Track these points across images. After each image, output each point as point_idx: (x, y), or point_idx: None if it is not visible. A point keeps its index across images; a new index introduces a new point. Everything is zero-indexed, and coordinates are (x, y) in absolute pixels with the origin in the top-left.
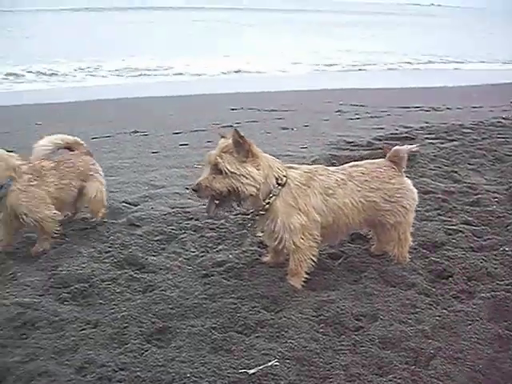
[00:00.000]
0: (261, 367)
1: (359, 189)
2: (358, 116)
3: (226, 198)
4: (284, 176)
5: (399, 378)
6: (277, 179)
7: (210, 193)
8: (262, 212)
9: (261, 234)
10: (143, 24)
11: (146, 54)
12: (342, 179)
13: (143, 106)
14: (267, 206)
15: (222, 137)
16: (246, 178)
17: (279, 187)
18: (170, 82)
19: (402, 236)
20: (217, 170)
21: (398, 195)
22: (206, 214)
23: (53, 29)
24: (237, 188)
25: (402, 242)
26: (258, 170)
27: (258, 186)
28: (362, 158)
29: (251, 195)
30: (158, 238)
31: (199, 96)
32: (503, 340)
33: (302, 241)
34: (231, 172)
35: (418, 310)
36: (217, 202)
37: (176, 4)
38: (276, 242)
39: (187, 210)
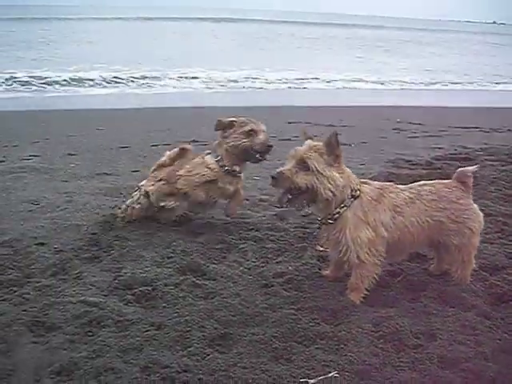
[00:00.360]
0: (321, 378)
1: (427, 208)
2: (416, 134)
3: (301, 195)
4: (358, 189)
5: None
6: (352, 191)
7: (289, 185)
8: (330, 221)
9: (322, 247)
10: (202, 35)
11: (205, 64)
12: (411, 198)
13: (205, 114)
14: (337, 215)
15: (309, 138)
16: (329, 180)
17: (352, 199)
18: (236, 93)
19: (465, 258)
20: (302, 165)
21: (465, 216)
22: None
23: (116, 36)
24: (317, 188)
25: (466, 264)
26: (340, 177)
27: (336, 193)
28: (421, 177)
29: (326, 199)
30: (219, 246)
31: (260, 108)
32: None
33: (367, 256)
34: (317, 171)
35: (477, 332)
36: (289, 196)
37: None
38: (341, 254)
39: (247, 220)
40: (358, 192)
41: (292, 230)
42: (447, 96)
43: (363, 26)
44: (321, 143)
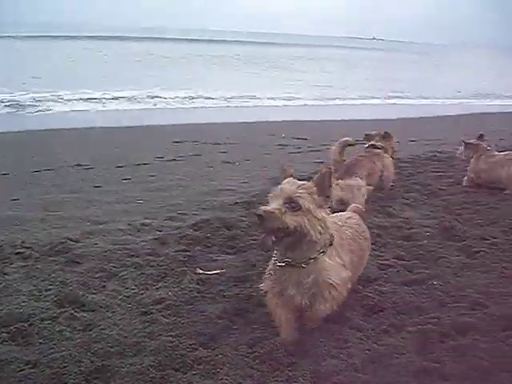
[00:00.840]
0: None
1: (360, 241)
2: (299, 149)
3: (287, 237)
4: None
5: None
6: (330, 235)
7: (276, 225)
8: (303, 265)
9: (202, 269)
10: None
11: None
12: (351, 234)
13: (86, 137)
14: (313, 260)
15: (290, 175)
16: (320, 222)
17: (329, 244)
18: (119, 112)
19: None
20: (291, 204)
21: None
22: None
23: None
24: (307, 229)
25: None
26: (328, 219)
27: (324, 236)
28: None
29: (314, 242)
30: (98, 275)
31: (144, 128)
32: (428, 372)
33: (344, 292)
34: (309, 211)
35: (349, 344)
36: (274, 238)
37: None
38: (307, 298)
39: (128, 246)
40: (333, 237)
41: (172, 253)
42: (332, 110)
43: (245, 43)
44: (309, 182)
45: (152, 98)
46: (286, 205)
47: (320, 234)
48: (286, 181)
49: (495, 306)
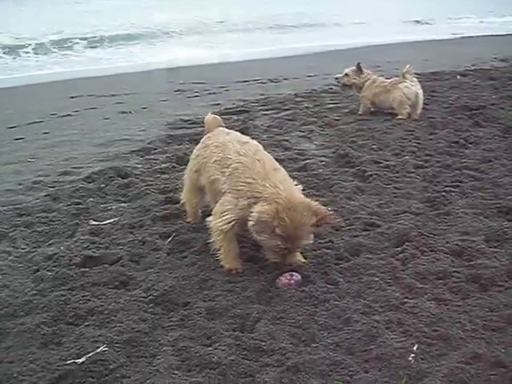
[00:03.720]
0: (89, 355)
1: None
2: (196, 94)
3: None
4: None
5: (224, 345)
6: None
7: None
8: None
9: (96, 220)
10: None
11: None
12: None
13: None
14: None
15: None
16: None
17: None
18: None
19: None
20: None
21: None
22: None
23: None
24: None
25: None
26: None
27: None
28: (197, 135)
29: None
30: None
31: (37, 86)
32: (324, 293)
33: None
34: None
35: (244, 277)
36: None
37: None
38: None
39: (19, 206)
40: None
41: (65, 208)
42: (228, 52)
43: None
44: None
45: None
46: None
47: None
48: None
49: (387, 224)
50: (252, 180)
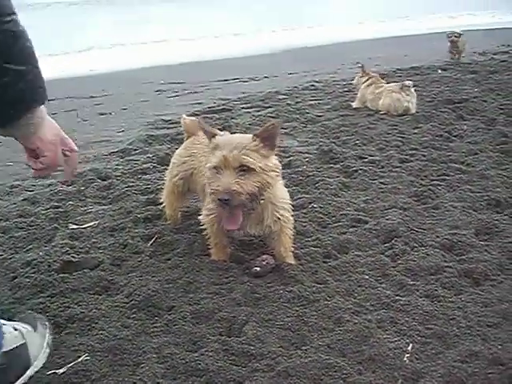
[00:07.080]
0: (70, 365)
1: None
2: (177, 93)
3: (253, 198)
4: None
5: (211, 351)
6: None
7: (244, 196)
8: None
9: (76, 224)
10: None
11: None
12: None
13: None
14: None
15: (213, 134)
16: (273, 168)
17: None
18: None
19: None
20: (243, 170)
21: None
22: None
23: None
24: (267, 184)
25: None
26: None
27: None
28: (178, 135)
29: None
30: None
31: None
32: (313, 293)
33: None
34: (261, 168)
35: (230, 278)
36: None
37: None
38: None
39: None
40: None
41: (43, 212)
42: (206, 51)
43: None
44: (251, 138)
45: None
46: (240, 173)
47: (275, 177)
48: (224, 145)
49: (375, 220)
50: None
